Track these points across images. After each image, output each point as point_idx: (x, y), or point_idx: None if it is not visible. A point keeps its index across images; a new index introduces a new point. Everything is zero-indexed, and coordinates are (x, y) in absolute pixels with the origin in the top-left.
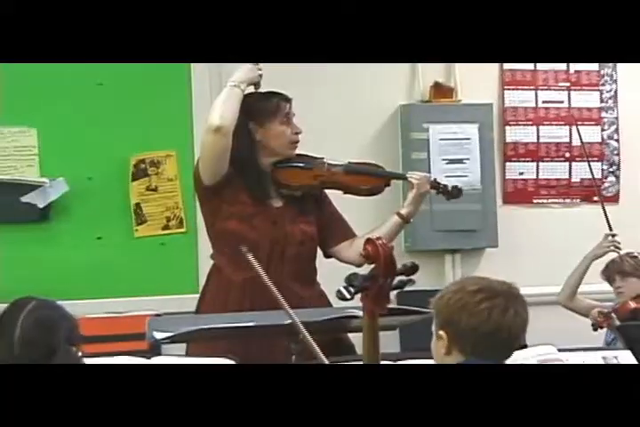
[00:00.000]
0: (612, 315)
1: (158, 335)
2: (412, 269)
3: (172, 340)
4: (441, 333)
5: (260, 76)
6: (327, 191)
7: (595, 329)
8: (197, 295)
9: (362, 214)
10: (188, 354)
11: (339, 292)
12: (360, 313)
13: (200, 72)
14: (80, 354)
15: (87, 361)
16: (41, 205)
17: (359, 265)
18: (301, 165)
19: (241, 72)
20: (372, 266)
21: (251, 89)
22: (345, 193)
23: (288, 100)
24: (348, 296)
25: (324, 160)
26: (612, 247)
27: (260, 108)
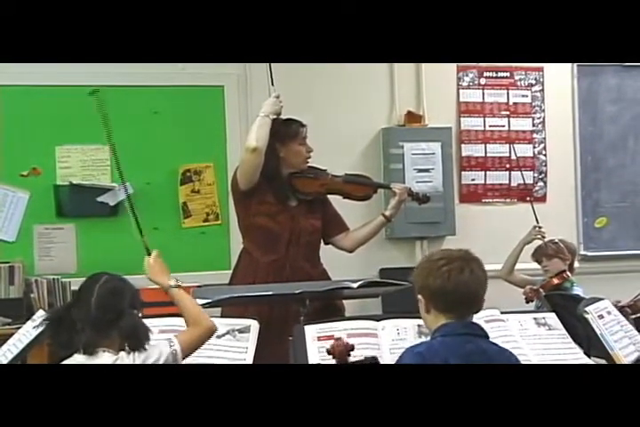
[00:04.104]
0: (540, 290)
1: (200, 301)
2: (372, 359)
3: (211, 305)
4: (419, 297)
5: (281, 107)
6: (329, 195)
7: (527, 302)
8: (229, 271)
9: (355, 214)
10: (222, 316)
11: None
12: (351, 284)
13: (232, 103)
14: (140, 315)
15: (147, 321)
16: (112, 204)
17: (351, 251)
18: (311, 175)
19: (268, 106)
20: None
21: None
22: (344, 198)
23: (303, 126)
24: None
25: (328, 172)
26: (539, 236)
27: (284, 132)
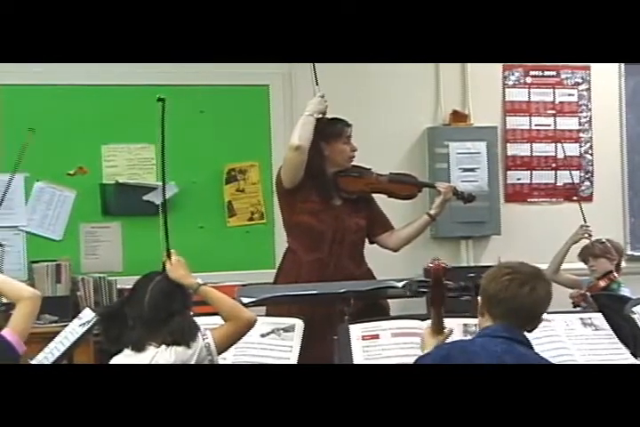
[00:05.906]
0: (587, 293)
1: (245, 300)
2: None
3: (255, 304)
4: (479, 298)
5: (326, 106)
6: (374, 194)
7: (574, 306)
8: (274, 271)
9: (399, 213)
10: (267, 315)
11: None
12: (396, 284)
13: (277, 102)
14: (192, 313)
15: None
16: (157, 202)
17: (395, 250)
18: (356, 174)
19: (312, 104)
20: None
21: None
22: (388, 197)
23: (349, 125)
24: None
25: (373, 171)
26: (586, 235)
27: (329, 131)
